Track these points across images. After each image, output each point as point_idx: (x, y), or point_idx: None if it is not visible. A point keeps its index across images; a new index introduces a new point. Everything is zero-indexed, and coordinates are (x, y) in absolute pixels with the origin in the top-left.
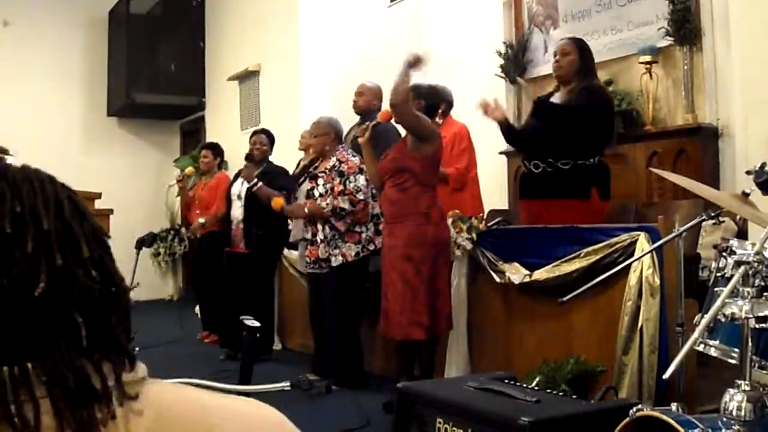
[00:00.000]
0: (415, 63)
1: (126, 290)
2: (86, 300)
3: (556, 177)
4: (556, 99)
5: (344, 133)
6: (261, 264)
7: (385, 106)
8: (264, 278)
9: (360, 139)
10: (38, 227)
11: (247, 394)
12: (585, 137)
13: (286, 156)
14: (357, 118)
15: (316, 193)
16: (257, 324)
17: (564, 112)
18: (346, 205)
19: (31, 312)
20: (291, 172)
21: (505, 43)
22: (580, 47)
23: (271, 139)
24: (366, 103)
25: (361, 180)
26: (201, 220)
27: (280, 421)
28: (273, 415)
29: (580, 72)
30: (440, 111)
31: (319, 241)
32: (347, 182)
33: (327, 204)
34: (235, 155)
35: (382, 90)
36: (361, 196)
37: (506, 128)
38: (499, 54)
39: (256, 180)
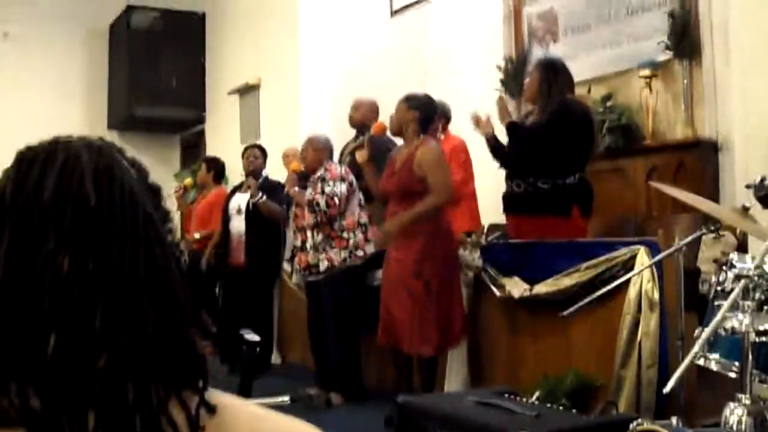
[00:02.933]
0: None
1: (200, 354)
2: (153, 364)
3: (537, 196)
4: (533, 117)
5: (336, 150)
6: (260, 277)
7: (381, 119)
8: (263, 291)
9: (359, 159)
10: (108, 298)
11: None
12: (559, 156)
13: (286, 170)
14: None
15: (305, 201)
16: (257, 338)
17: (524, 134)
18: (321, 202)
19: (95, 379)
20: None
21: (504, 57)
22: (542, 67)
23: (264, 153)
24: (362, 117)
25: (341, 188)
26: (196, 235)
27: None
28: None
29: (541, 92)
30: (439, 126)
31: (308, 247)
32: (326, 186)
33: (308, 194)
34: (236, 169)
35: (377, 104)
36: (336, 201)
37: (493, 145)
38: (499, 68)
39: (261, 194)
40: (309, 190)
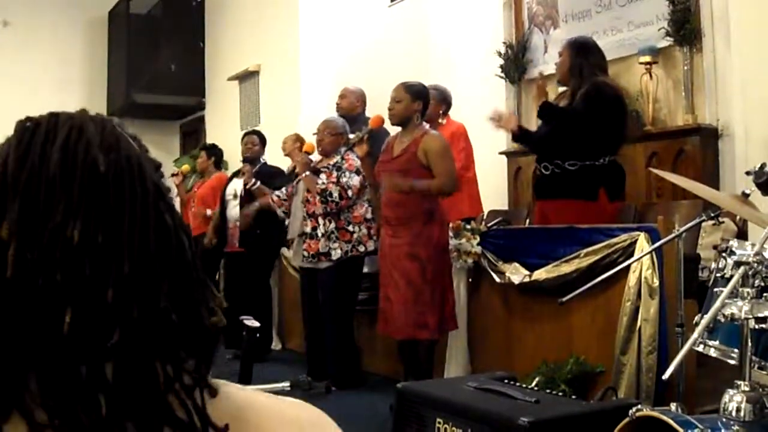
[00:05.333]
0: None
1: (214, 325)
2: (166, 340)
3: (564, 178)
4: (565, 99)
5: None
6: (259, 263)
7: (370, 108)
8: (261, 277)
9: (359, 153)
10: (119, 271)
11: None
12: (591, 138)
13: (286, 156)
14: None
15: (318, 189)
16: (257, 324)
17: (563, 116)
18: (335, 193)
19: (107, 356)
20: (286, 171)
21: (505, 43)
22: (572, 47)
23: (262, 140)
24: (349, 105)
25: (355, 180)
26: (209, 211)
27: (326, 423)
28: (321, 419)
29: (573, 72)
30: (440, 112)
31: (319, 235)
32: (341, 177)
33: (322, 183)
34: (235, 155)
35: (364, 93)
36: (350, 194)
37: (522, 136)
38: (499, 54)
39: (255, 180)
40: (323, 177)
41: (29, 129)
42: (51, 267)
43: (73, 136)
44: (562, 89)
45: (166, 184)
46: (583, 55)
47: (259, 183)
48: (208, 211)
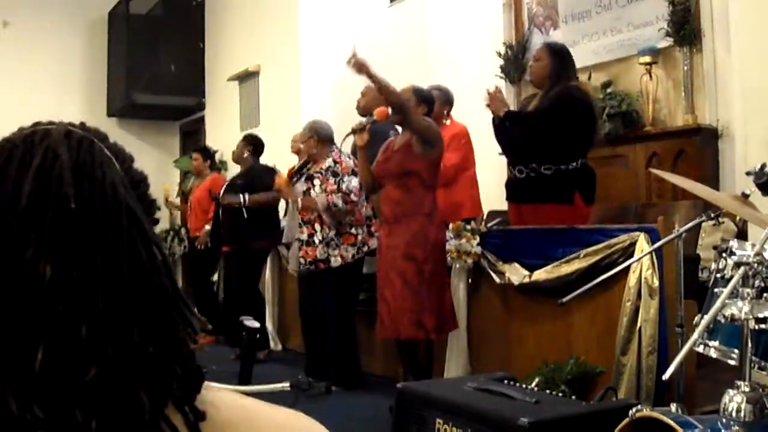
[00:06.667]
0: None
1: (191, 356)
2: (145, 370)
3: (540, 182)
4: (535, 102)
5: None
6: (247, 261)
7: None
8: (251, 276)
9: (359, 142)
10: (93, 307)
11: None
12: (561, 142)
13: (286, 157)
14: (357, 117)
15: (313, 194)
16: (257, 324)
17: (527, 120)
18: (339, 202)
19: (86, 390)
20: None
21: (504, 43)
22: (552, 52)
23: (252, 143)
24: (366, 104)
25: (354, 182)
26: (207, 227)
27: None
28: (318, 428)
29: (551, 76)
30: (444, 112)
31: (317, 241)
32: (341, 182)
33: (322, 194)
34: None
35: None
36: (353, 198)
37: (499, 123)
38: (499, 55)
39: (220, 193)
40: (317, 182)
41: (5, 153)
42: (22, 303)
43: (47, 166)
44: (531, 93)
45: (151, 197)
46: (562, 60)
47: (222, 194)
48: (207, 227)
